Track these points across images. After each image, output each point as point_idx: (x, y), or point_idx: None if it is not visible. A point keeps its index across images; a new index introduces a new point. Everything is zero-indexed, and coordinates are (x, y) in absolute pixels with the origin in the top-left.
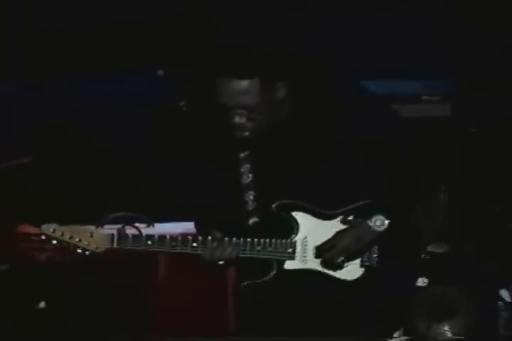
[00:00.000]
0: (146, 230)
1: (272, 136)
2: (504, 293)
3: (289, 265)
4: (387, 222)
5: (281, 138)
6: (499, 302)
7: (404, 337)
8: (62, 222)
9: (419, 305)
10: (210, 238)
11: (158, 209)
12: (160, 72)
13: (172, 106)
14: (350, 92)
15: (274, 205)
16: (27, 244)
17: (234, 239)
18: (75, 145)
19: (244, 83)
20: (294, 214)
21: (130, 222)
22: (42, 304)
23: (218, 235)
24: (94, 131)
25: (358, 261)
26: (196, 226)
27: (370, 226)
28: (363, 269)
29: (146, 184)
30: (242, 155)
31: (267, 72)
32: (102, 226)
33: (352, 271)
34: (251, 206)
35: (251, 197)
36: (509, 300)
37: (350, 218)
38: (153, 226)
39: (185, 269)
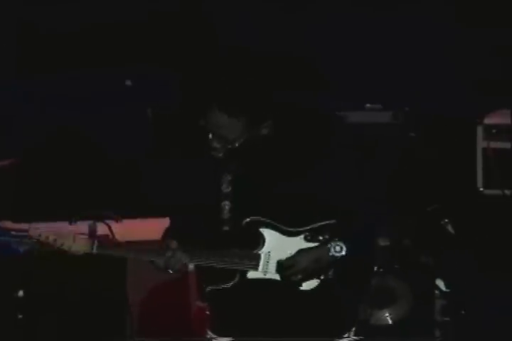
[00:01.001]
0: (114, 225)
1: (251, 154)
2: (440, 283)
3: (251, 275)
4: (344, 251)
5: (260, 157)
6: (435, 291)
7: (355, 338)
8: (42, 217)
9: None
10: (166, 246)
11: (142, 207)
12: (128, 82)
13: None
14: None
15: (244, 222)
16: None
17: (185, 250)
18: (76, 145)
19: (230, 119)
20: (261, 230)
21: (100, 219)
22: (20, 293)
23: (174, 245)
24: (92, 131)
25: None
26: (172, 224)
27: (329, 250)
28: (318, 280)
29: (133, 183)
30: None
31: (255, 114)
32: (74, 223)
33: (308, 282)
34: (226, 215)
35: (227, 207)
36: (444, 289)
37: (313, 236)
38: (121, 221)
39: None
